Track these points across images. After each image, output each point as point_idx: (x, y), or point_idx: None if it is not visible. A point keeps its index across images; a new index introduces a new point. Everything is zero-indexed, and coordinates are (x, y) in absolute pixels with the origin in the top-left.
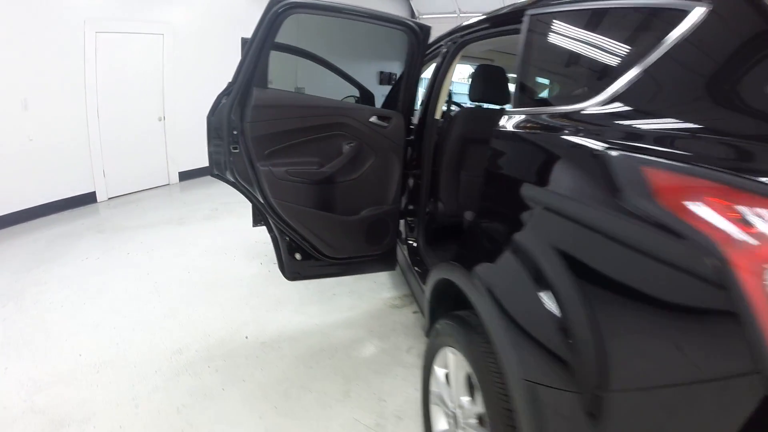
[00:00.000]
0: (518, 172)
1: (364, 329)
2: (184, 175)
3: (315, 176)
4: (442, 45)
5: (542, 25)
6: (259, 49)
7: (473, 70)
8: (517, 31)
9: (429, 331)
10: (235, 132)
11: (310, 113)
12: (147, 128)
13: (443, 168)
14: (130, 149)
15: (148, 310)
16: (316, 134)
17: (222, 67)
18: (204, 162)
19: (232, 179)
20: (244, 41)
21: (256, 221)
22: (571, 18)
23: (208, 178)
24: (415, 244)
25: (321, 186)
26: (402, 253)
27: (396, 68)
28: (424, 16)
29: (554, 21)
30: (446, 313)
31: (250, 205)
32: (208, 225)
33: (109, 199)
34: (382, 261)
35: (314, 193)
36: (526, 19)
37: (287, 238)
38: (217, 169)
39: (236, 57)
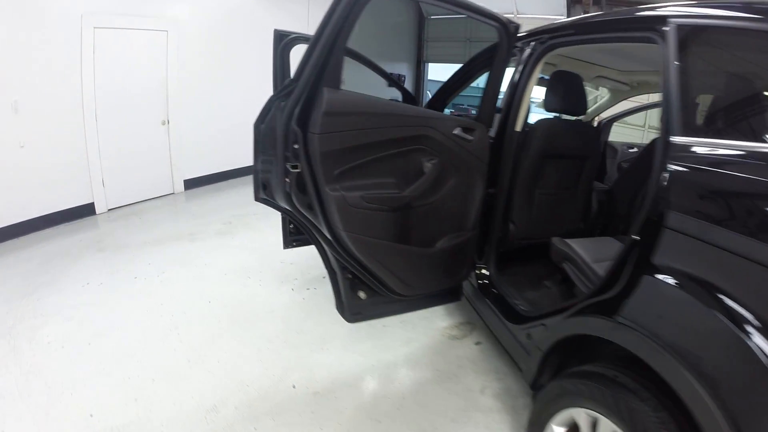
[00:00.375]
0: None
1: (428, 368)
2: (190, 183)
3: (395, 203)
4: (517, 46)
5: (710, 39)
6: (332, 39)
7: (549, 77)
8: (639, 39)
9: (538, 384)
10: (295, 146)
11: (392, 123)
12: (150, 133)
13: (518, 185)
14: (131, 156)
15: (168, 352)
16: (395, 149)
17: (232, 67)
18: (211, 169)
19: (287, 206)
20: (278, 34)
21: (288, 243)
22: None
23: (215, 186)
24: (486, 272)
25: (399, 213)
26: (468, 281)
27: (403, 69)
28: (432, 17)
29: (730, 35)
30: (565, 367)
31: (266, 217)
32: (223, 241)
33: (109, 210)
34: (450, 293)
35: (391, 222)
36: (671, 30)
37: (350, 275)
38: (264, 191)
39: (250, 56)
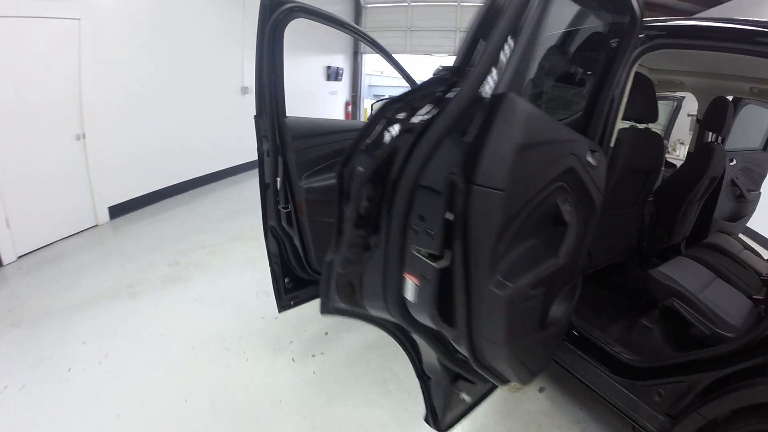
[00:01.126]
0: None
1: None
2: (117, 211)
3: (554, 278)
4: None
5: None
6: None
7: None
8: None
9: None
10: (449, 215)
11: (558, 153)
12: (62, 152)
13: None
14: (40, 184)
15: None
16: (545, 192)
17: (165, 63)
18: (141, 190)
19: (395, 319)
20: (267, 1)
21: (284, 304)
22: None
23: (147, 211)
24: None
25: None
26: None
27: (340, 62)
28: (369, 6)
29: None
30: None
31: (220, 250)
32: (175, 294)
33: (19, 258)
34: None
35: (539, 305)
36: None
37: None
38: (346, 298)
39: (189, 48)
